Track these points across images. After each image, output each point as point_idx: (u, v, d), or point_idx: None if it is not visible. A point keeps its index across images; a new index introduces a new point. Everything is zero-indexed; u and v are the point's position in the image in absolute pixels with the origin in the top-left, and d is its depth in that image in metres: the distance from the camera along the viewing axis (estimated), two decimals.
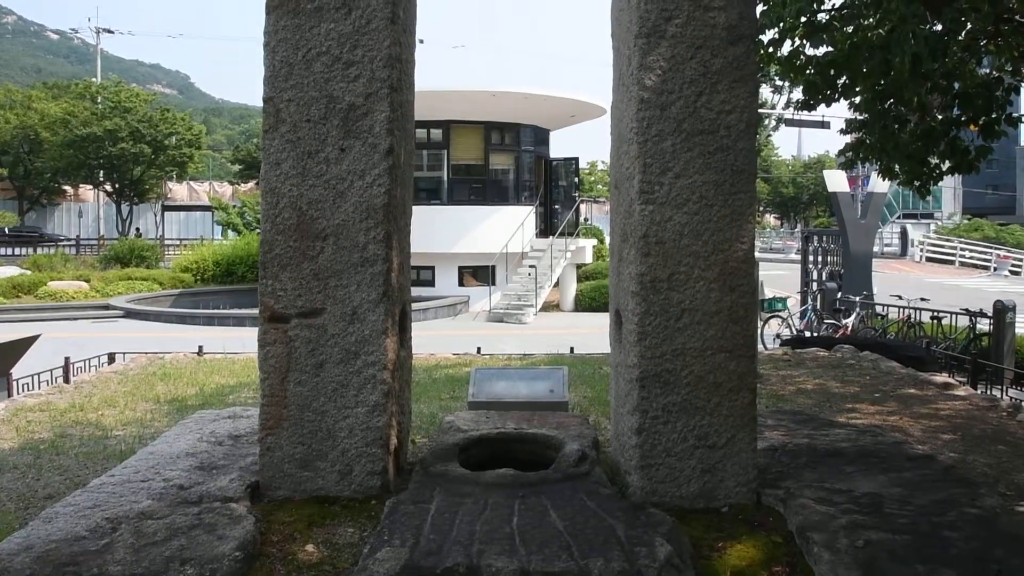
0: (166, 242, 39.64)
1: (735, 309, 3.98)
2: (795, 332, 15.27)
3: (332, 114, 4.07)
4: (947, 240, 40.64)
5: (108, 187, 44.09)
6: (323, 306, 4.08)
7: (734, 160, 3.95)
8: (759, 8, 9.53)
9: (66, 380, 8.41)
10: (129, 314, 20.92)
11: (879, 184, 18.02)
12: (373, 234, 4.04)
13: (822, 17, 9.49)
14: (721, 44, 3.98)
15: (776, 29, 9.62)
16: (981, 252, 38.56)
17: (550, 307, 23.55)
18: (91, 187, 46.91)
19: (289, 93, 4.09)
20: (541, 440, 4.67)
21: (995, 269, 36.45)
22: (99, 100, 42.82)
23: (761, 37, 9.50)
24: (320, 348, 4.08)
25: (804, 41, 9.68)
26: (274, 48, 4.11)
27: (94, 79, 49.08)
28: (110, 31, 54.47)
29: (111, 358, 9.81)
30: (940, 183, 9.41)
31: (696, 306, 3.95)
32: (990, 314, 11.90)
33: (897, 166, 9.39)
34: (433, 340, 13.39)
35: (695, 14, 3.98)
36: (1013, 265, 36.69)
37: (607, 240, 30.86)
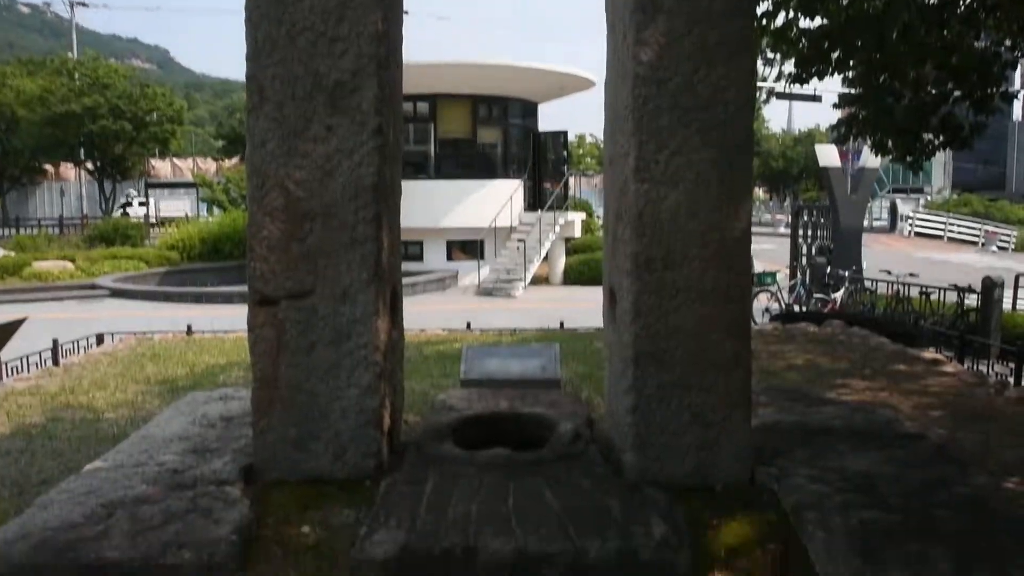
0: (151, 220, 39.26)
1: (731, 289, 3.96)
2: (784, 306, 15.31)
3: (318, 92, 3.99)
4: (936, 215, 40.73)
5: (89, 165, 43.55)
6: (312, 288, 4.03)
7: (732, 137, 3.91)
8: None
9: (55, 363, 8.33)
10: (116, 293, 20.74)
11: (871, 159, 18.04)
12: (362, 215, 3.99)
13: None
14: (719, 18, 3.91)
15: (770, 1, 9.52)
16: (969, 228, 38.68)
17: (539, 281, 23.51)
18: (72, 166, 46.29)
19: (273, 70, 4.00)
20: (535, 419, 4.66)
21: (983, 245, 36.60)
22: (76, 76, 42.02)
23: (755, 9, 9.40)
24: (310, 330, 4.04)
25: (798, 13, 9.57)
26: (256, 23, 4.00)
27: (70, 54, 48.13)
28: (84, 4, 52.46)
29: (100, 339, 9.74)
30: (931, 158, 9.39)
31: (691, 285, 3.92)
32: (978, 290, 11.96)
33: (890, 141, 9.35)
34: (423, 315, 13.35)
35: None
36: (1001, 241, 36.83)
37: (596, 214, 30.87)
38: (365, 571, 3.11)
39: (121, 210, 42.96)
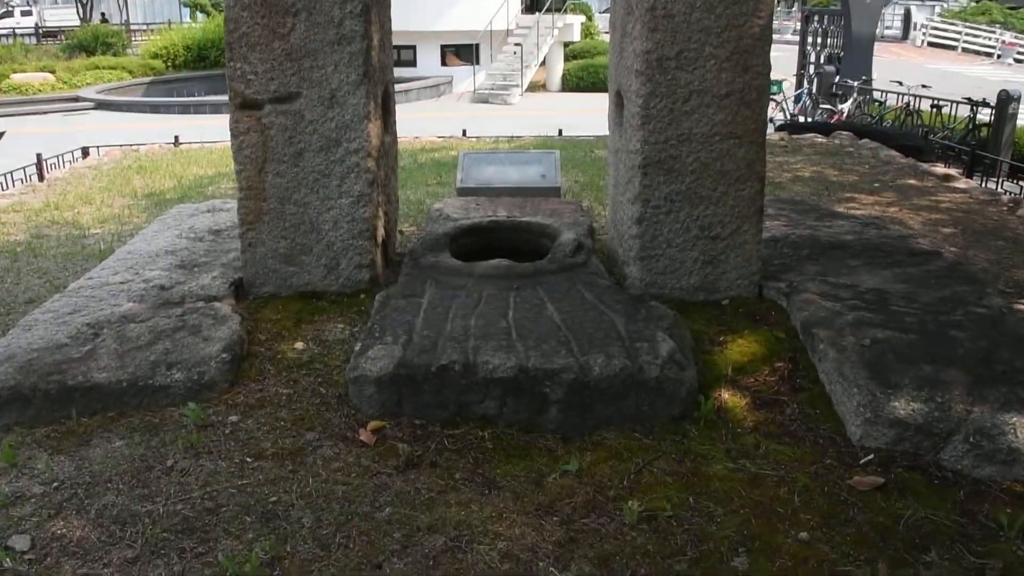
0: (132, 27, 37.52)
1: (747, 91, 3.66)
2: (789, 116, 14.86)
3: None
4: (952, 24, 38.96)
5: None
6: (298, 90, 3.74)
7: None
8: None
9: (40, 178, 8.06)
10: (100, 105, 20.06)
11: None
12: (349, 7, 3.63)
13: None
14: None
15: None
16: (986, 38, 37.07)
17: (536, 87, 22.77)
18: None
19: None
20: (535, 228, 4.48)
21: (999, 56, 35.18)
22: None
23: None
24: (298, 136, 3.78)
25: None
26: None
27: None
28: None
29: (85, 152, 9.41)
30: None
31: (706, 87, 3.63)
32: (992, 103, 11.50)
33: None
34: (417, 122, 12.94)
35: None
36: (1019, 52, 35.40)
37: (596, 17, 29.52)
38: (360, 388, 3.01)
39: (100, 16, 40.95)
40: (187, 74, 23.90)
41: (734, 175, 3.75)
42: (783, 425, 2.98)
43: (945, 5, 45.05)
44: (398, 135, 4.54)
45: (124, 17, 37.97)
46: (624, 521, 2.46)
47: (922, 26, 38.97)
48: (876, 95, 15.01)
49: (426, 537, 2.38)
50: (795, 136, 9.95)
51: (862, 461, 2.74)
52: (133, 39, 31.45)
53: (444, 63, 23.39)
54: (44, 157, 8.31)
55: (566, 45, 24.15)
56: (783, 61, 22.98)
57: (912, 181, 7.32)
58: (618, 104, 4.06)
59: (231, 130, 3.81)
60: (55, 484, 2.61)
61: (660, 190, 3.74)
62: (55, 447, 2.83)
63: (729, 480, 2.65)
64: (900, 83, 14.24)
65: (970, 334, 3.24)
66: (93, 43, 27.26)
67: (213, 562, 2.26)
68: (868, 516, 2.48)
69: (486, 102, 20.43)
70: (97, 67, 23.94)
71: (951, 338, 3.21)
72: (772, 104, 14.78)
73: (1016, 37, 36.34)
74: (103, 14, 41.99)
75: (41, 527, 2.41)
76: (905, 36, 39.81)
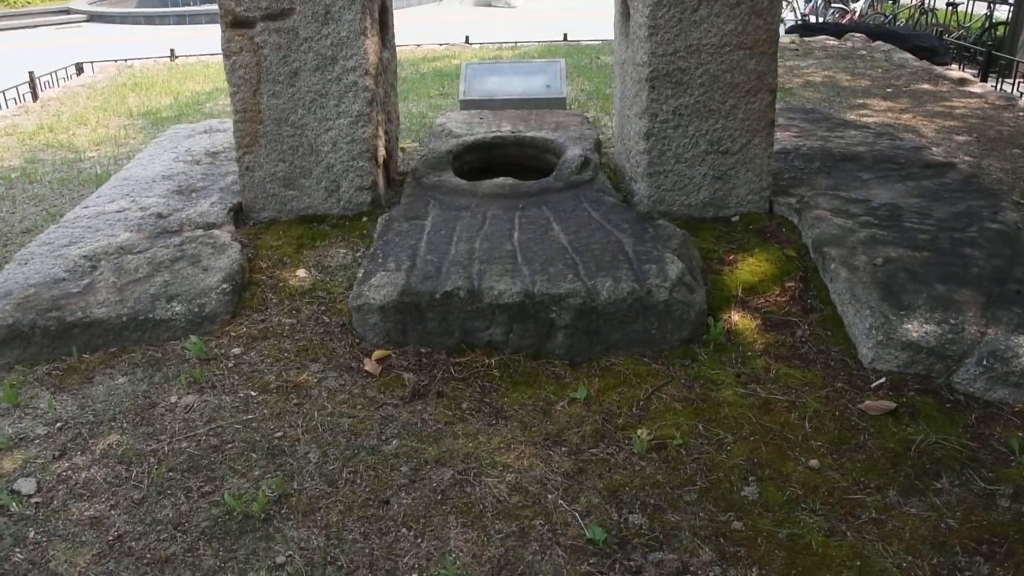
0: None
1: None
2: (800, 17, 14.39)
3: None
4: None
5: None
6: (291, 6, 3.58)
7: None
8: None
9: (33, 98, 7.86)
10: (93, 17, 19.53)
11: None
12: None
13: None
14: None
15: None
16: None
17: None
18: None
19: None
20: (540, 144, 4.37)
21: None
22: None
23: None
24: (292, 55, 3.64)
25: None
26: None
27: None
28: None
29: (79, 69, 9.16)
30: None
31: None
32: (1010, 0, 11.06)
33: None
34: (417, 28, 12.62)
35: None
36: None
37: None
38: (364, 316, 2.97)
39: None
40: None
41: (744, 87, 3.62)
42: (793, 348, 2.94)
43: None
44: (398, 42, 4.37)
45: None
46: (633, 450, 2.44)
47: None
48: None
49: (434, 470, 2.37)
50: (806, 38, 9.64)
51: (873, 385, 2.71)
52: None
53: None
54: (37, 75, 8.10)
55: None
56: None
57: (926, 86, 7.10)
58: (624, 14, 3.89)
59: (223, 50, 3.67)
60: (59, 424, 2.60)
61: (668, 104, 3.62)
62: (57, 385, 2.81)
63: (739, 406, 2.63)
64: None
65: (984, 252, 3.16)
66: None
67: (220, 501, 2.25)
68: (879, 442, 2.45)
69: (488, 5, 19.85)
70: None
71: (965, 256, 3.13)
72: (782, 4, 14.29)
73: None
74: None
75: (46, 469, 2.40)
76: None
